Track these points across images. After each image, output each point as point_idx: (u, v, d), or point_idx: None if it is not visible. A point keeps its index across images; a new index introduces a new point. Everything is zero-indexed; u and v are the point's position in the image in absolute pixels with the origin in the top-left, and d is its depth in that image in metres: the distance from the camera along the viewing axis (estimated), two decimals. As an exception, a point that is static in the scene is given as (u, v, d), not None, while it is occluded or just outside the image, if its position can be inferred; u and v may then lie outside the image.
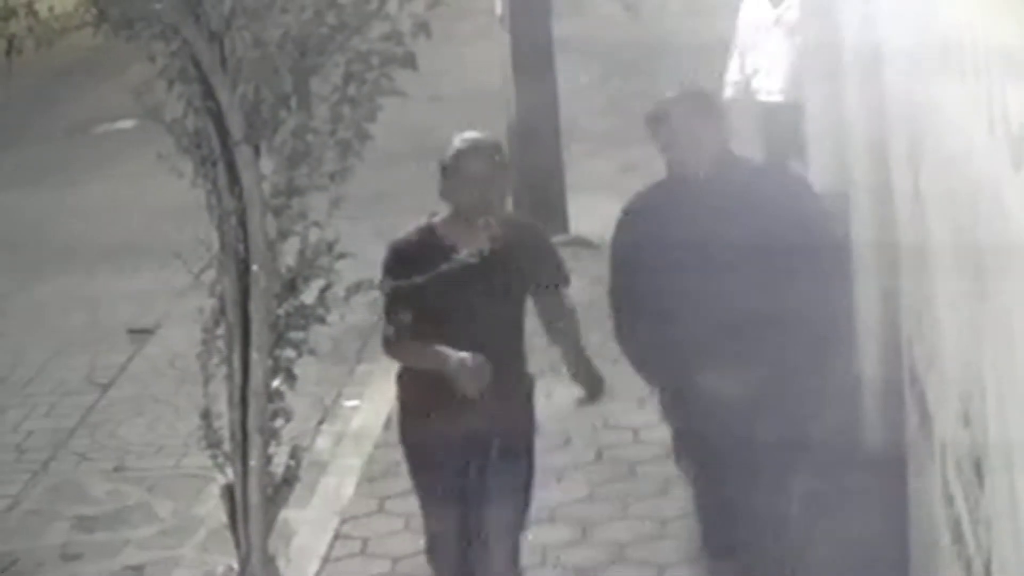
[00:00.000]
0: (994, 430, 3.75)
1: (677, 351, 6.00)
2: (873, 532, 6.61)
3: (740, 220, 5.76)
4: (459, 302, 5.80)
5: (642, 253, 6.04)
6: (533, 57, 11.01)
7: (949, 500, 4.57)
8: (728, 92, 10.92)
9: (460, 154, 5.92)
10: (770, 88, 10.64)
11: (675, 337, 5.97)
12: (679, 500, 7.45)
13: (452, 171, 5.92)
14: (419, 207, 12.09)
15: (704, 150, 5.88)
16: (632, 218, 6.17)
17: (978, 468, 4.00)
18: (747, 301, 5.76)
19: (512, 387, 6.07)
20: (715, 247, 5.74)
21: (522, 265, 5.98)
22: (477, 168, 5.87)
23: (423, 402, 6.01)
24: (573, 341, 6.36)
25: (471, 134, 6.00)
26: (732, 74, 10.98)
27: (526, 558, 6.94)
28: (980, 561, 4.05)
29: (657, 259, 5.92)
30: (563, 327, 6.31)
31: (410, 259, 5.86)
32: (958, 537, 4.41)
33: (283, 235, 5.10)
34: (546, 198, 11.09)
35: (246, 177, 5.03)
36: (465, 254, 5.69)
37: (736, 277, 5.74)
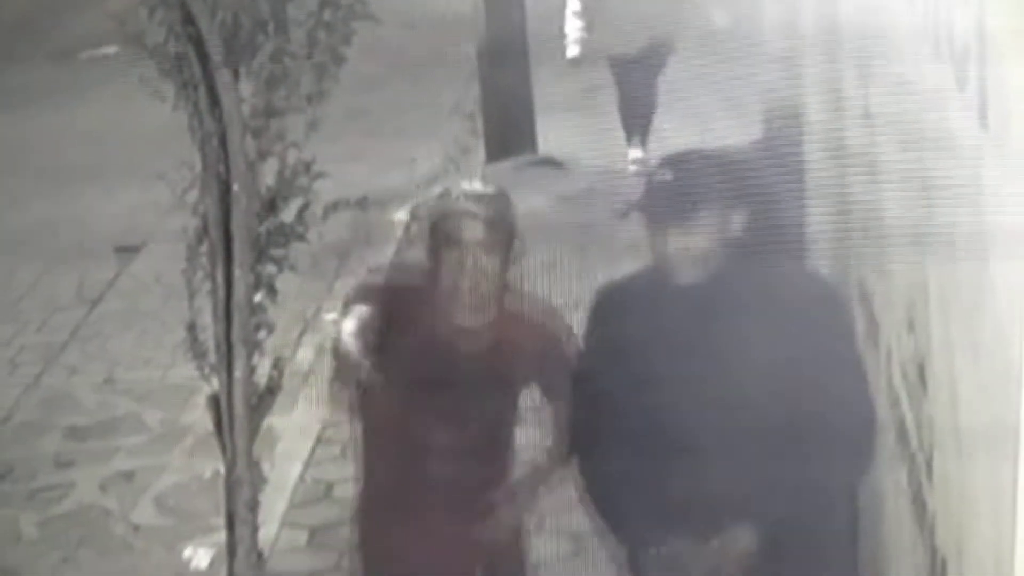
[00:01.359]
0: (936, 335, 3.79)
1: (665, 506, 4.46)
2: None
3: (745, 338, 4.47)
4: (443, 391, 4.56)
5: (617, 368, 4.51)
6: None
7: (894, 402, 4.62)
8: (572, 51, 10.76)
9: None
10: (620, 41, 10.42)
11: (662, 487, 4.45)
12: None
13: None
14: (393, 129, 12.12)
15: (697, 246, 4.45)
16: (606, 315, 4.65)
17: (921, 371, 4.04)
18: (757, 444, 4.48)
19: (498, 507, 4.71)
20: (716, 371, 4.46)
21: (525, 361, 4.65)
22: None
23: (388, 521, 4.78)
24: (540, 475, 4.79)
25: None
26: (572, 30, 10.83)
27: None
28: (922, 457, 4.10)
29: (638, 380, 4.49)
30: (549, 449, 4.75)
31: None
32: (902, 436, 4.46)
33: (262, 156, 5.09)
34: (515, 118, 11.08)
35: (226, 100, 5.01)
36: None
37: (743, 411, 4.48)
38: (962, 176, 3.24)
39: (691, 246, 4.47)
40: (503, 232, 4.49)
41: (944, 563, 3.80)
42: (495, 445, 4.69)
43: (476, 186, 4.62)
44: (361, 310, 4.63)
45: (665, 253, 4.47)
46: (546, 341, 4.65)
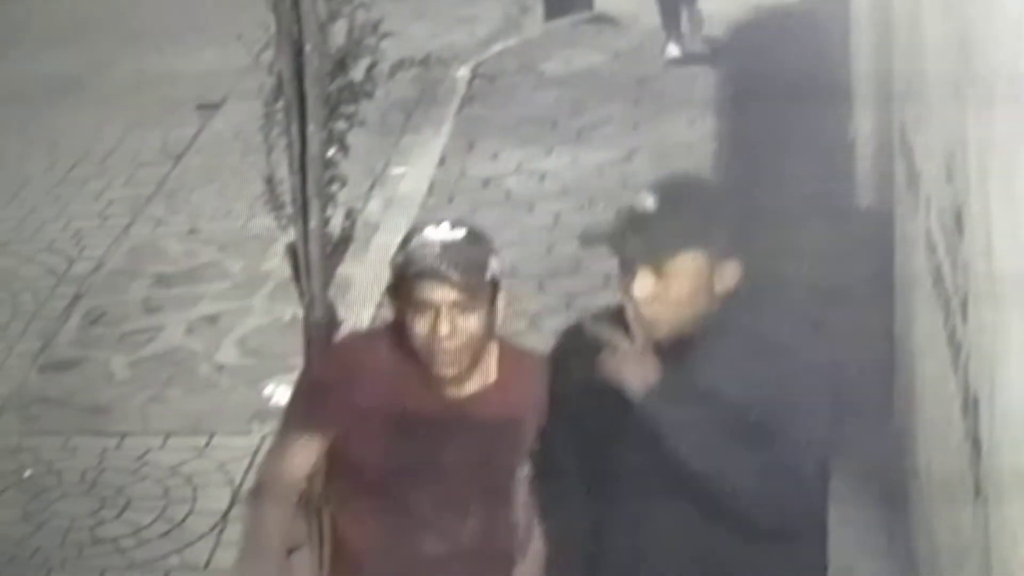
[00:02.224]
0: (974, 183, 3.77)
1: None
2: (861, 277, 6.65)
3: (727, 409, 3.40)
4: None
5: (570, 433, 3.59)
6: None
7: (932, 247, 4.60)
8: None
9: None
10: None
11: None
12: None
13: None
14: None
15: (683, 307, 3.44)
16: (565, 367, 3.65)
17: (958, 219, 4.02)
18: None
19: None
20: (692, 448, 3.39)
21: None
22: None
23: None
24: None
25: None
26: None
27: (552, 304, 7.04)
28: (957, 301, 4.09)
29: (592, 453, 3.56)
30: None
31: None
32: (938, 280, 4.46)
33: (333, 17, 5.08)
34: (572, -23, 10.97)
35: (298, -36, 5.00)
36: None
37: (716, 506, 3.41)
38: (1003, 26, 3.19)
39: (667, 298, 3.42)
40: (481, 285, 3.43)
41: (976, 400, 3.81)
42: (500, 539, 3.67)
43: (446, 233, 3.49)
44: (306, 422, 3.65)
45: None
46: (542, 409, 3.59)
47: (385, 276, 7.88)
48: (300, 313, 5.45)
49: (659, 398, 3.38)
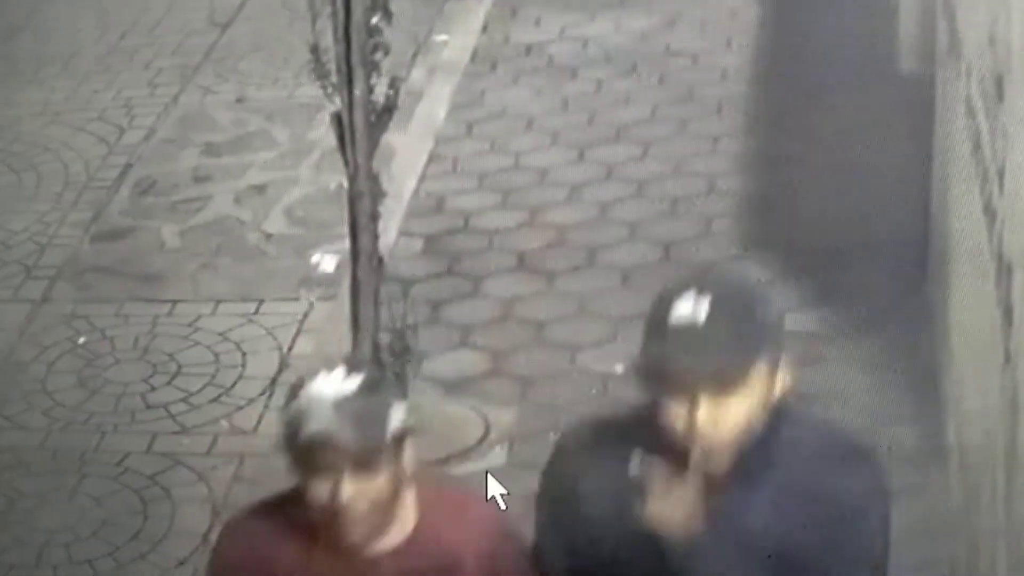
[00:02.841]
0: (1017, 48, 3.65)
1: None
2: (901, 147, 6.55)
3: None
4: None
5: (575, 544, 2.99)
6: None
7: (971, 113, 4.51)
8: None
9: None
10: None
11: None
12: (732, 119, 7.40)
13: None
14: None
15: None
16: (561, 496, 3.03)
17: (999, 84, 3.92)
18: None
19: None
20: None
21: None
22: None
23: None
24: None
25: None
26: None
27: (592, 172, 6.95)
28: (995, 168, 4.01)
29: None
30: None
31: None
32: (977, 147, 4.37)
33: None
34: None
35: None
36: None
37: None
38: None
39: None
40: (382, 441, 2.91)
41: (1011, 267, 3.74)
42: None
43: (338, 386, 2.91)
44: None
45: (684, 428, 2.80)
46: (485, 551, 3.06)
47: (429, 146, 7.83)
48: (345, 183, 5.40)
49: (708, 540, 2.83)
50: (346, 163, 5.34)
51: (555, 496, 3.01)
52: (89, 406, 6.02)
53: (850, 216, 6.54)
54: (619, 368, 5.70)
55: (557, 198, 7.06)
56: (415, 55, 8.51)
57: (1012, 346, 3.72)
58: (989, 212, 4.11)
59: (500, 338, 6.17)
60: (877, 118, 7.06)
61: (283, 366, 6.12)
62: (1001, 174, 3.91)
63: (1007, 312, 3.76)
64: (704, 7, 8.47)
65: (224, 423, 5.88)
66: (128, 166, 7.71)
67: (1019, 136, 3.61)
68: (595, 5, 8.82)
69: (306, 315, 6.44)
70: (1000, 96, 3.92)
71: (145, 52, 8.96)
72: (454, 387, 5.94)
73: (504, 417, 5.76)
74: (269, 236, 7.08)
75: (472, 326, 6.26)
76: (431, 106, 7.91)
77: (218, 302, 6.59)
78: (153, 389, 6.09)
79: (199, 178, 7.62)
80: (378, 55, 5.22)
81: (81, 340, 6.38)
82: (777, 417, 2.82)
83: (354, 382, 2.94)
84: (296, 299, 6.56)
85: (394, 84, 5.33)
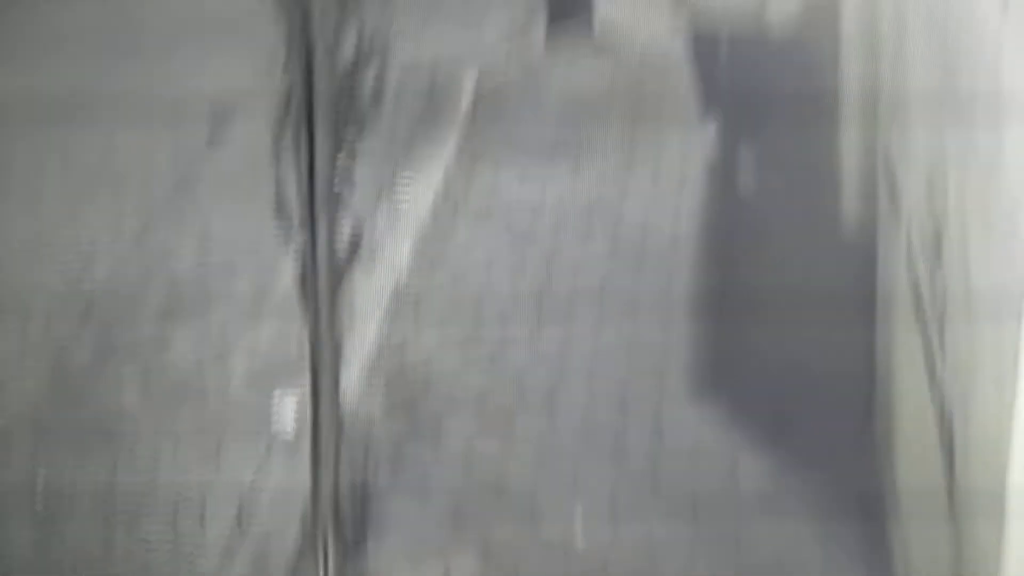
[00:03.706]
0: (953, 202, 3.72)
1: None
2: (844, 291, 6.62)
3: None
4: None
5: None
6: None
7: (912, 265, 4.58)
8: None
9: None
10: None
11: None
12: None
13: None
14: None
15: None
16: None
17: (938, 237, 3.99)
18: None
19: None
20: None
21: None
22: None
23: None
24: None
25: None
26: None
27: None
28: (935, 317, 4.06)
29: None
30: None
31: None
32: (917, 300, 4.42)
33: (343, 23, 5.02)
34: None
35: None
36: None
37: None
38: (983, 46, 3.13)
39: None
40: None
41: (951, 418, 3.76)
42: None
43: None
44: None
45: None
46: None
47: (392, 284, 7.81)
48: (306, 323, 5.37)
49: None
50: (307, 304, 5.32)
51: None
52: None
53: (798, 369, 6.59)
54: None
55: (521, 337, 7.07)
56: (379, 195, 8.54)
57: (955, 496, 3.73)
58: (930, 361, 4.16)
59: (462, 484, 6.14)
60: (823, 271, 7.13)
61: (242, 508, 6.05)
62: (941, 324, 3.97)
63: (949, 461, 3.79)
64: (658, 156, 8.57)
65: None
66: (89, 306, 7.67)
67: (958, 288, 3.66)
68: (555, 148, 8.88)
69: (266, 456, 6.39)
70: (939, 248, 3.99)
71: (107, 195, 8.95)
72: (415, 532, 5.89)
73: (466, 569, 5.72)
74: (229, 377, 7.03)
75: (434, 471, 6.22)
76: (395, 245, 7.93)
77: (177, 442, 6.52)
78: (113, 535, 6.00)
79: (161, 317, 7.58)
80: (342, 196, 5.22)
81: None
82: None
83: None
84: (255, 440, 6.50)
85: (358, 225, 5.33)
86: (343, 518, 5.22)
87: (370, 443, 6.04)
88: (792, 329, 6.71)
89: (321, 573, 4.17)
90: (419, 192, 8.60)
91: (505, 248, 7.95)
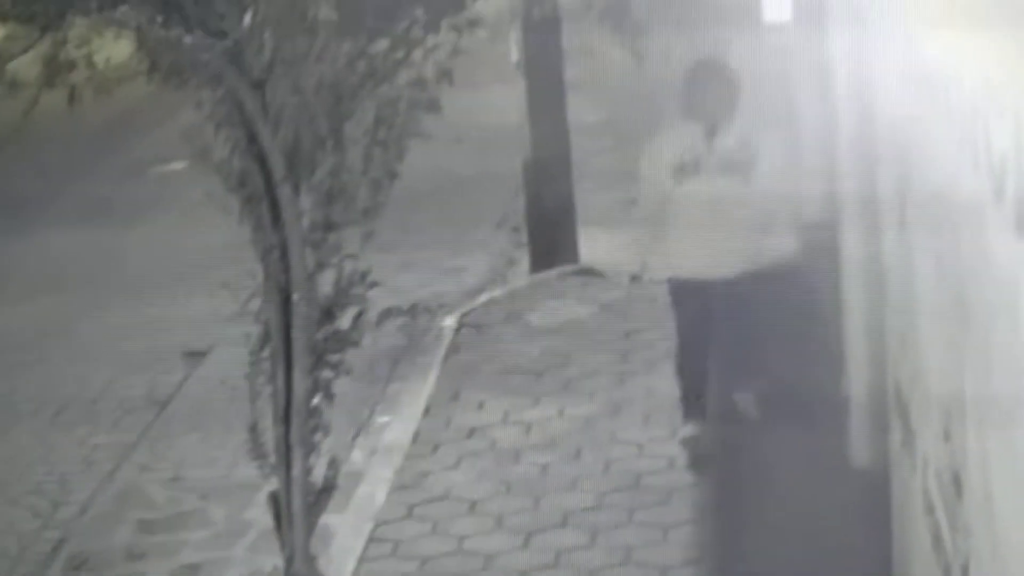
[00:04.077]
0: (972, 445, 3.65)
1: None
2: (858, 542, 6.51)
3: None
4: None
5: None
6: (546, 98, 10.92)
7: (930, 510, 4.47)
8: None
9: None
10: None
11: None
12: (681, 508, 7.37)
13: None
14: (442, 241, 12.05)
15: None
16: None
17: (957, 480, 3.90)
18: None
19: None
20: None
21: None
22: None
23: None
24: None
25: None
26: None
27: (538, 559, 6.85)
28: (958, 566, 3.94)
29: None
30: None
31: None
32: (938, 544, 4.31)
33: (321, 266, 5.03)
34: (559, 230, 11.01)
35: (287, 213, 4.96)
36: None
37: None
38: (999, 287, 3.11)
39: None
40: None
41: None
42: None
43: None
44: None
45: None
46: None
47: (369, 528, 7.72)
48: (282, 564, 5.30)
49: None
50: (283, 545, 5.25)
51: None
52: None
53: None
54: None
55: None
56: (356, 436, 8.50)
57: None
58: None
59: None
60: (834, 516, 7.04)
61: None
62: (965, 572, 3.86)
63: None
64: (649, 396, 8.55)
65: None
66: (61, 541, 7.58)
67: (982, 534, 3.58)
68: (538, 390, 8.88)
69: None
70: (959, 493, 3.90)
71: (82, 429, 8.92)
72: None
73: None
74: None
75: None
76: (371, 488, 7.86)
77: None
78: None
79: (132, 556, 7.47)
80: (317, 436, 5.19)
81: None
82: None
83: None
84: None
85: (333, 465, 5.29)
86: None
87: None
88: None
89: None
90: (399, 431, 8.56)
91: (491, 467, 7.91)
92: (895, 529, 5.74)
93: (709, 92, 7.33)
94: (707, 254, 7.34)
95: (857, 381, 7.23)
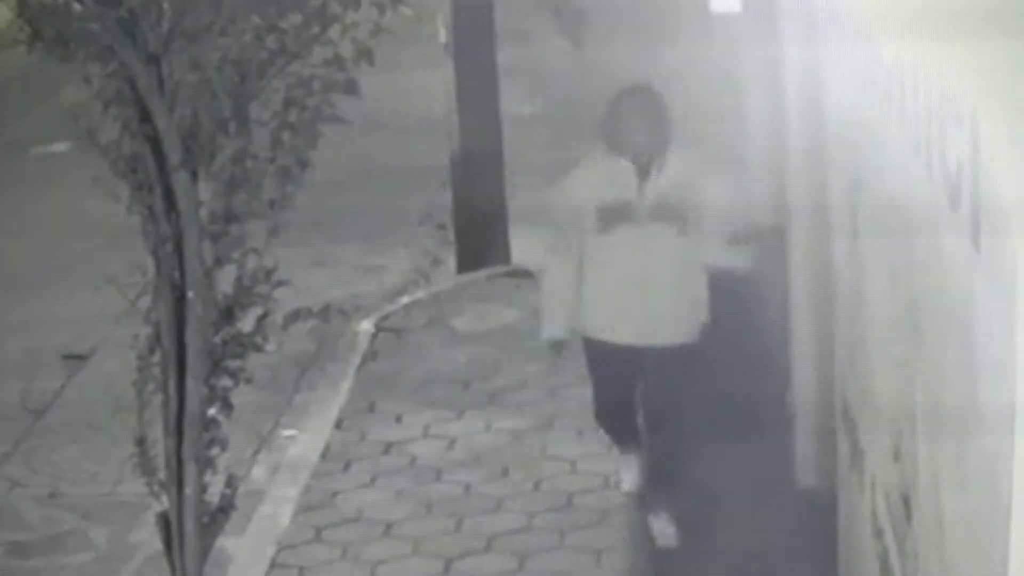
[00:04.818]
0: (923, 466, 3.77)
1: None
2: (803, 565, 6.65)
3: None
4: None
5: None
6: (477, 86, 10.99)
7: (878, 533, 4.60)
8: None
9: None
10: None
11: None
12: (616, 530, 7.48)
13: None
14: (360, 236, 12.10)
15: None
16: None
17: (906, 502, 4.02)
18: None
19: None
20: None
21: None
22: None
23: None
24: None
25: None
26: None
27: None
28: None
29: None
30: None
31: None
32: (886, 569, 4.44)
33: (220, 262, 5.08)
34: (489, 228, 11.09)
35: (183, 203, 5.01)
36: None
37: None
38: (953, 300, 3.23)
39: None
40: None
41: None
42: None
43: None
44: None
45: None
46: None
47: (270, 553, 7.77)
48: (172, 592, 5.36)
49: None
50: (173, 570, 5.31)
51: None
52: None
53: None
54: None
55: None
56: (257, 451, 8.56)
57: None
58: None
59: None
60: (779, 537, 7.18)
61: None
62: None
63: None
64: (583, 409, 8.66)
65: None
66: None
67: (931, 560, 3.69)
68: (463, 402, 8.97)
69: None
70: (908, 516, 4.02)
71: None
72: None
73: None
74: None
75: None
76: (274, 508, 7.92)
77: None
78: None
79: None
80: (214, 450, 5.24)
81: None
82: None
83: None
84: None
85: (231, 483, 5.34)
86: None
87: None
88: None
89: None
90: (306, 445, 8.63)
91: (410, 486, 7.99)
92: (841, 553, 5.88)
93: (637, 126, 6.98)
94: (633, 321, 7.09)
95: (804, 398, 7.38)
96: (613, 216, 7.02)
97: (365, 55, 5.20)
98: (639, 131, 6.93)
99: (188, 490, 5.20)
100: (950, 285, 3.26)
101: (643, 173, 6.97)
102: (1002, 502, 2.85)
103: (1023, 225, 2.72)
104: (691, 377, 7.08)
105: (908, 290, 3.84)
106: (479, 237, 11.03)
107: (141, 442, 5.22)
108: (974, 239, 2.99)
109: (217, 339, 5.13)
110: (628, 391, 7.34)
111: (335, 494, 8.06)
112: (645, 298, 7.00)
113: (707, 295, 7.06)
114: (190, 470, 5.17)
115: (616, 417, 7.56)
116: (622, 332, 7.14)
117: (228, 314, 5.15)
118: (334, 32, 5.16)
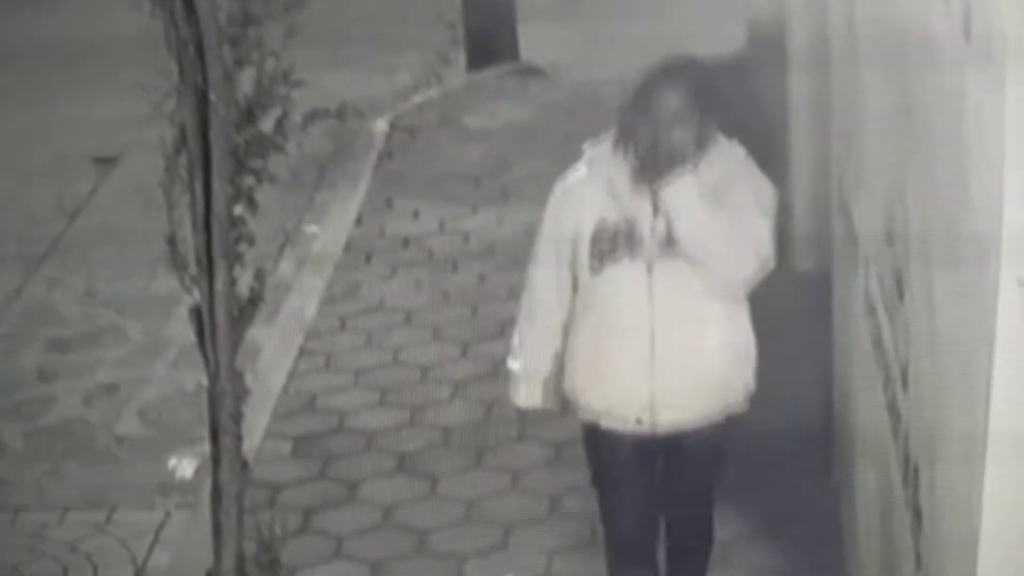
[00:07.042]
0: (915, 247, 3.80)
1: None
2: (797, 340, 6.69)
3: None
4: None
5: None
6: None
7: (871, 310, 4.63)
8: None
9: None
10: None
11: None
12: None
13: None
14: (373, 37, 12.03)
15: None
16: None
17: (899, 282, 4.06)
18: None
19: None
20: None
21: None
22: None
23: None
24: None
25: None
26: None
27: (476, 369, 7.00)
28: (898, 367, 4.12)
29: None
30: None
31: None
32: (878, 345, 4.48)
33: (240, 64, 5.06)
34: (498, 25, 11.02)
35: (202, 7, 4.98)
36: None
37: None
38: (944, 86, 3.22)
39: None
40: None
41: (916, 469, 3.83)
42: None
43: None
44: None
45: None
46: None
47: (299, 341, 7.83)
48: (205, 381, 5.42)
49: None
50: (206, 360, 5.35)
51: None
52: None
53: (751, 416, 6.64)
54: None
55: (440, 396, 7.14)
56: (283, 247, 8.62)
57: (922, 550, 3.81)
58: (894, 412, 4.22)
59: (378, 549, 6.16)
60: (773, 315, 7.22)
61: (137, 581, 6.09)
62: (904, 374, 4.02)
63: (916, 514, 3.85)
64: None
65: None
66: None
67: (922, 334, 3.73)
68: (476, 197, 9.00)
69: (162, 525, 6.40)
70: (900, 293, 4.06)
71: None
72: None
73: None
74: (121, 440, 7.05)
75: (347, 536, 6.25)
76: (301, 300, 7.99)
77: (66, 510, 6.53)
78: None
79: (44, 376, 7.60)
80: (241, 246, 5.26)
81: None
82: None
83: None
84: (151, 507, 6.52)
85: (259, 276, 5.36)
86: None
87: (277, 506, 6.06)
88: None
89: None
90: (328, 240, 8.67)
91: (428, 277, 8.05)
92: (835, 329, 5.93)
93: (657, 115, 4.78)
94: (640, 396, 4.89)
95: (801, 181, 7.37)
96: (611, 245, 4.88)
97: None
98: (658, 122, 4.75)
99: (218, 284, 5.23)
100: (941, 72, 3.25)
101: (657, 181, 4.77)
102: (988, 279, 2.88)
103: (1013, 12, 2.71)
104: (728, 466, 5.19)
105: (901, 78, 3.84)
106: (488, 34, 10.98)
107: (172, 240, 5.24)
108: (965, 29, 2.97)
109: (240, 139, 5.13)
110: (649, 523, 5.13)
111: (358, 285, 8.13)
112: (656, 362, 4.80)
113: (753, 349, 4.95)
114: (220, 265, 5.19)
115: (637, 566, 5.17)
116: (628, 412, 4.90)
117: (249, 115, 5.13)
118: None
